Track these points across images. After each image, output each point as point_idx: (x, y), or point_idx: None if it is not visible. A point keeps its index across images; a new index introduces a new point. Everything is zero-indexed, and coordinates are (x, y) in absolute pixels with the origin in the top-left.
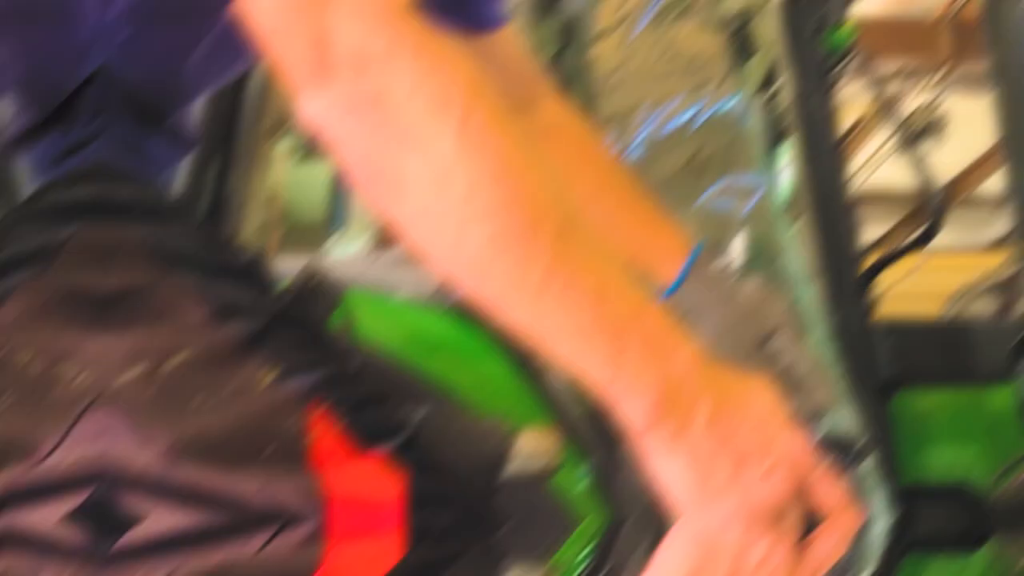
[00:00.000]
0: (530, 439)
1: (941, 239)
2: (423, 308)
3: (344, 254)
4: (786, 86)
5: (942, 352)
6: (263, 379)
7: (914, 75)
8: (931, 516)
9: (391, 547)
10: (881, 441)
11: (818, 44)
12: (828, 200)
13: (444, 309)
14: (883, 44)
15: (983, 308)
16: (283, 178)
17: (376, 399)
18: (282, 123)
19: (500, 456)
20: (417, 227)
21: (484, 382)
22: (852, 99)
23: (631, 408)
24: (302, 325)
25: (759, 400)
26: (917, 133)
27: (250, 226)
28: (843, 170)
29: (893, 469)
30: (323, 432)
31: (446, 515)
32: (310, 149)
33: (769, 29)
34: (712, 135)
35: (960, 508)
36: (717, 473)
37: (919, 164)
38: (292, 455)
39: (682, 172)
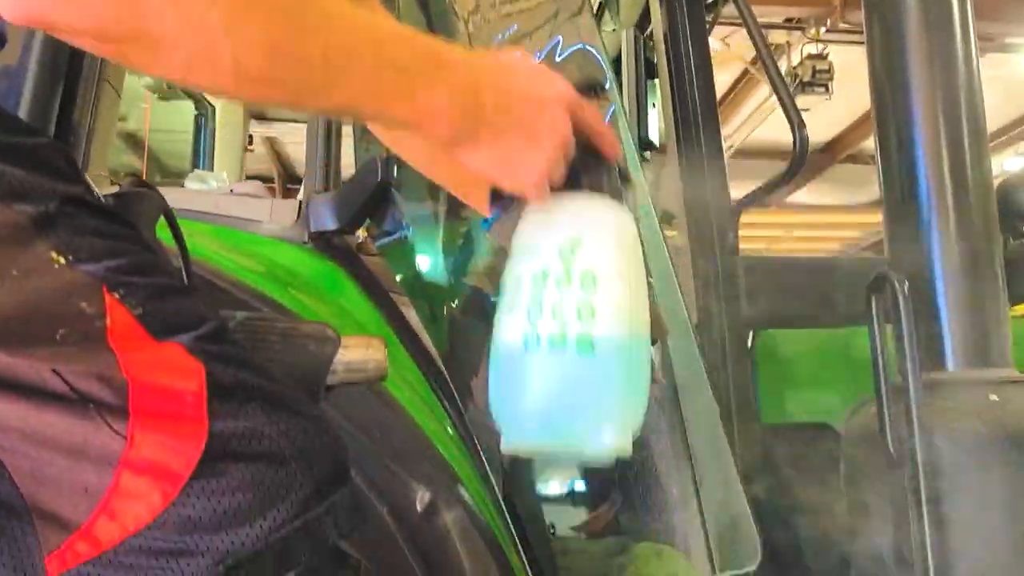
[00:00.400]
0: (357, 347)
1: (825, 197)
2: (278, 243)
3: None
4: (657, 19)
5: (806, 292)
6: (54, 262)
7: (801, 25)
8: (793, 452)
9: (195, 437)
10: (743, 380)
11: None
12: (696, 138)
13: (299, 245)
14: None
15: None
16: (145, 115)
17: (175, 291)
18: None
19: (323, 361)
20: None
21: (341, 314)
22: (738, 50)
23: (435, 127)
24: (106, 216)
25: (523, 67)
26: (804, 84)
27: (100, 160)
28: (713, 110)
29: (755, 409)
30: (120, 318)
31: (251, 409)
32: (172, 87)
33: None
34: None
35: (822, 446)
36: (515, 144)
37: (784, 90)
38: (87, 338)
39: None
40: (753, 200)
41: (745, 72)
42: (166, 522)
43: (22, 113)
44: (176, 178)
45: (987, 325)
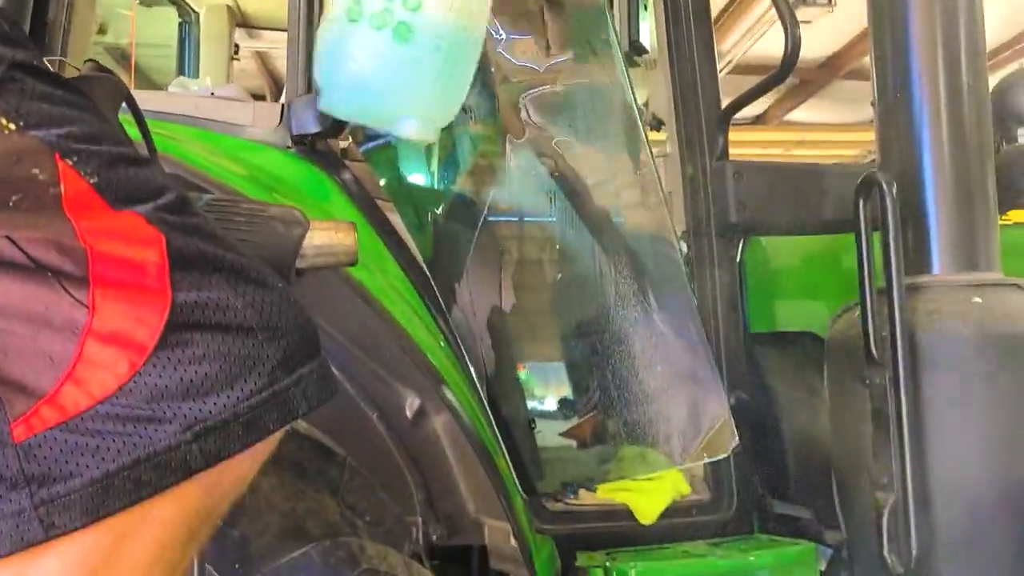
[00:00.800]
0: (326, 230)
1: (826, 113)
2: (262, 148)
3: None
4: None
5: (792, 197)
6: (3, 128)
7: None
8: (779, 360)
9: (158, 307)
10: (728, 284)
11: None
12: (687, 43)
13: (282, 150)
14: None
15: None
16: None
17: (132, 161)
18: None
19: (292, 244)
20: None
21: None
22: None
23: None
24: (57, 84)
25: None
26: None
27: (78, 58)
28: (705, 13)
29: (743, 316)
30: (74, 186)
31: (215, 280)
32: None
33: None
34: None
35: (807, 353)
36: None
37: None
38: (42, 205)
39: None
40: (743, 102)
41: None
42: (133, 390)
43: None
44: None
45: (975, 229)
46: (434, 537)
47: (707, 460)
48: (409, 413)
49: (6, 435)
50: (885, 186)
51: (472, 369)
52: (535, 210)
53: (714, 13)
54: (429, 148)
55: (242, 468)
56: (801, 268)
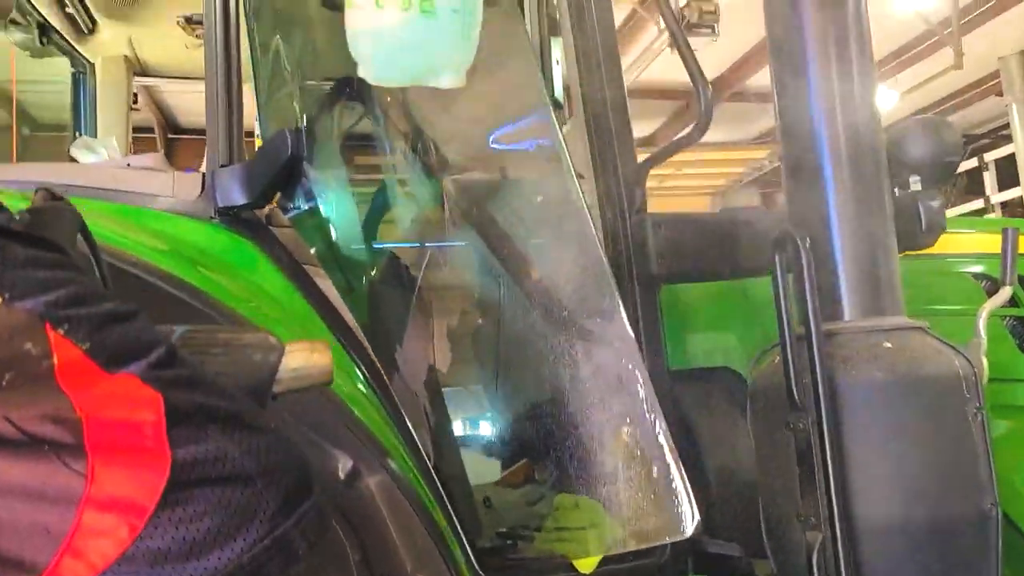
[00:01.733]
0: (301, 352)
1: (711, 134)
2: (183, 220)
3: (89, 159)
4: None
5: (707, 247)
6: None
7: None
8: (698, 395)
9: (158, 467)
10: (651, 330)
11: None
12: (600, 96)
13: (205, 221)
14: None
15: (749, 200)
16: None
17: (120, 318)
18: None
19: (269, 370)
20: None
21: (254, 290)
22: None
23: None
24: (35, 244)
25: None
26: (691, 25)
27: None
28: (617, 67)
29: (662, 355)
30: (67, 355)
31: (211, 431)
32: (45, 42)
33: None
34: None
35: (725, 388)
36: None
37: (691, 58)
38: (36, 379)
39: None
40: (659, 158)
41: (634, 12)
42: (135, 556)
43: None
44: (50, 131)
45: (880, 276)
46: None
47: (667, 541)
48: (342, 474)
49: None
50: (799, 242)
51: (411, 429)
52: (468, 266)
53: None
54: (356, 211)
55: None
56: (715, 306)
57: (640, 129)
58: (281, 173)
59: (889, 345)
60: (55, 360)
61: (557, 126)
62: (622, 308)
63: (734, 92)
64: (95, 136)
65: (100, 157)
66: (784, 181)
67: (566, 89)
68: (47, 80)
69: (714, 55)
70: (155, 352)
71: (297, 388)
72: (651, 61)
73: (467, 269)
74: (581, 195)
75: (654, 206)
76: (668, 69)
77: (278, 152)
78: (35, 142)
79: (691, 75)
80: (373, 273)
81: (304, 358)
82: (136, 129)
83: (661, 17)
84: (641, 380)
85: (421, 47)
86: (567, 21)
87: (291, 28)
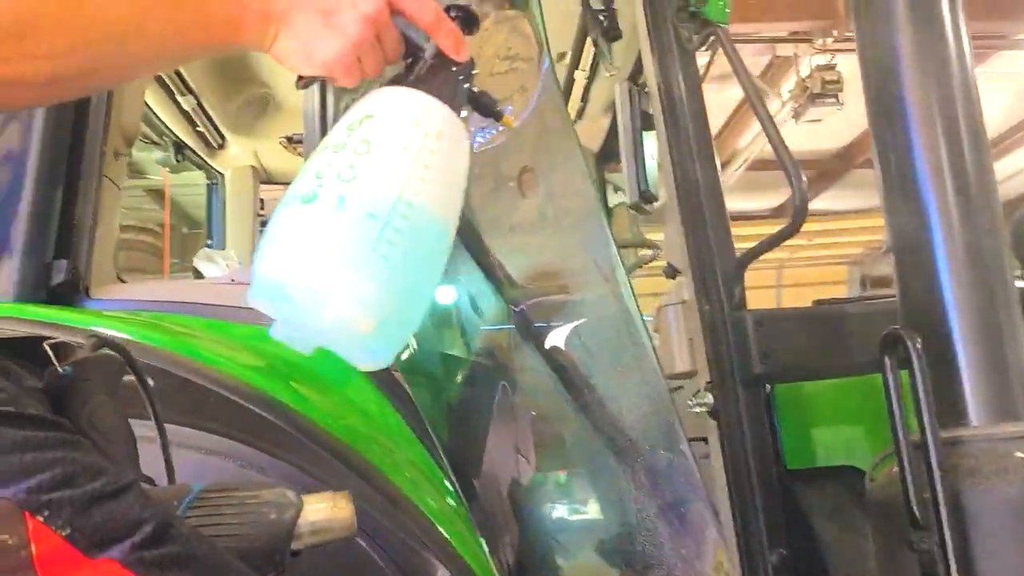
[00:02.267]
0: (322, 506)
1: (846, 200)
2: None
3: (212, 272)
4: (650, 71)
5: (812, 344)
6: None
7: (808, 37)
8: (819, 497)
9: None
10: (758, 430)
11: (682, 23)
12: (696, 190)
13: None
14: (775, 6)
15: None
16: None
17: (109, 496)
18: (129, 142)
19: (285, 529)
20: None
21: (346, 407)
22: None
23: (247, 38)
24: (28, 424)
25: None
26: (814, 96)
27: (105, 247)
28: (711, 160)
29: (774, 455)
30: (46, 543)
31: None
32: (180, 159)
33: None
34: None
35: (847, 489)
36: (313, 30)
37: (780, 143)
38: (12, 569)
39: None
40: (757, 252)
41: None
42: None
43: (23, 216)
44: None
45: (1009, 374)
46: None
47: None
48: None
49: None
50: (911, 344)
51: (493, 545)
52: (535, 386)
53: (727, 113)
54: (440, 319)
55: None
56: (836, 399)
57: (769, 200)
58: None
59: (1022, 456)
60: (33, 549)
61: (613, 243)
62: (684, 438)
63: (867, 158)
64: (224, 240)
65: (219, 269)
66: (895, 270)
67: (659, 183)
68: (197, 183)
69: (844, 121)
70: (141, 531)
71: (317, 543)
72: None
73: (535, 388)
74: (640, 316)
75: (787, 278)
76: (794, 137)
77: None
78: (191, 240)
79: (781, 161)
80: (451, 388)
81: (325, 512)
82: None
83: (780, 88)
84: (708, 519)
85: (310, 245)
86: (660, 114)
87: None
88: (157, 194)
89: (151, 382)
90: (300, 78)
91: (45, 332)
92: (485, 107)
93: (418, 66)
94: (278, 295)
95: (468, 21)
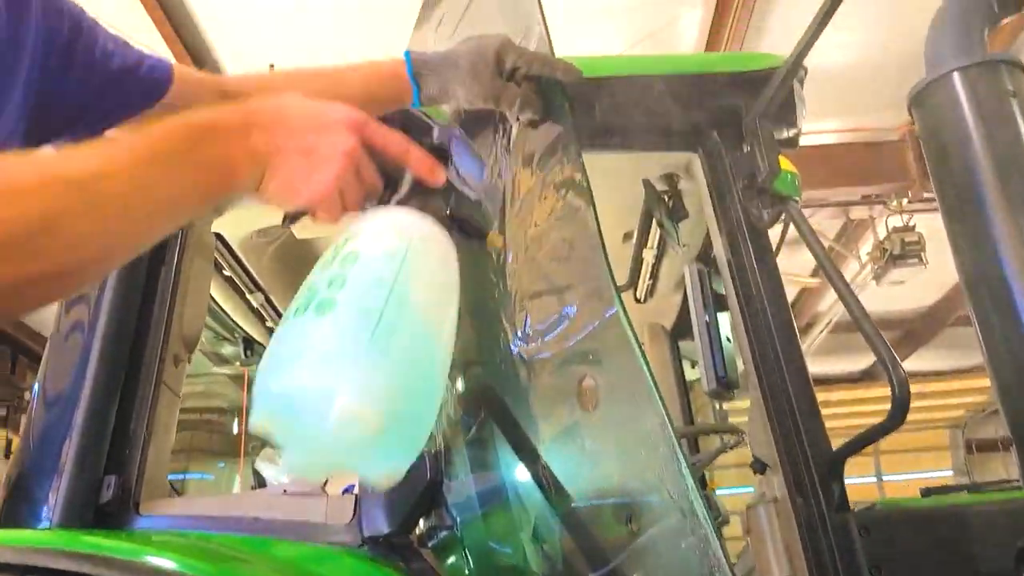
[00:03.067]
0: None
1: (944, 361)
2: (330, 554)
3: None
4: (719, 251)
5: (932, 551)
6: None
7: (883, 198)
8: None
9: None
10: None
11: (750, 200)
12: (779, 373)
13: (353, 552)
14: (846, 171)
15: (994, 430)
16: None
17: None
18: (190, 347)
19: None
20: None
21: None
22: (820, 231)
23: (240, 179)
24: None
25: (295, 101)
26: (894, 257)
27: (160, 459)
28: (793, 340)
29: None
30: None
31: None
32: (249, 355)
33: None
34: None
35: None
36: (295, 168)
37: (873, 332)
38: None
39: None
40: (855, 447)
41: (830, 248)
42: None
43: (77, 429)
44: None
45: None
46: None
47: None
48: None
49: None
50: None
51: None
52: None
53: (806, 275)
54: (489, 532)
55: None
56: None
57: (855, 363)
58: (421, 499)
59: None
60: None
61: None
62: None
63: (959, 316)
64: None
65: (280, 471)
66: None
67: (740, 369)
68: None
69: (934, 278)
70: None
71: None
72: (860, 292)
73: None
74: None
75: (884, 444)
76: (877, 299)
77: (418, 478)
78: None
79: (874, 350)
80: None
81: None
82: None
83: (858, 251)
84: None
85: (303, 352)
86: (732, 294)
87: None
88: (237, 379)
89: None
90: (286, 216)
91: (84, 569)
92: (469, 227)
93: (398, 193)
94: (280, 409)
95: (440, 153)
